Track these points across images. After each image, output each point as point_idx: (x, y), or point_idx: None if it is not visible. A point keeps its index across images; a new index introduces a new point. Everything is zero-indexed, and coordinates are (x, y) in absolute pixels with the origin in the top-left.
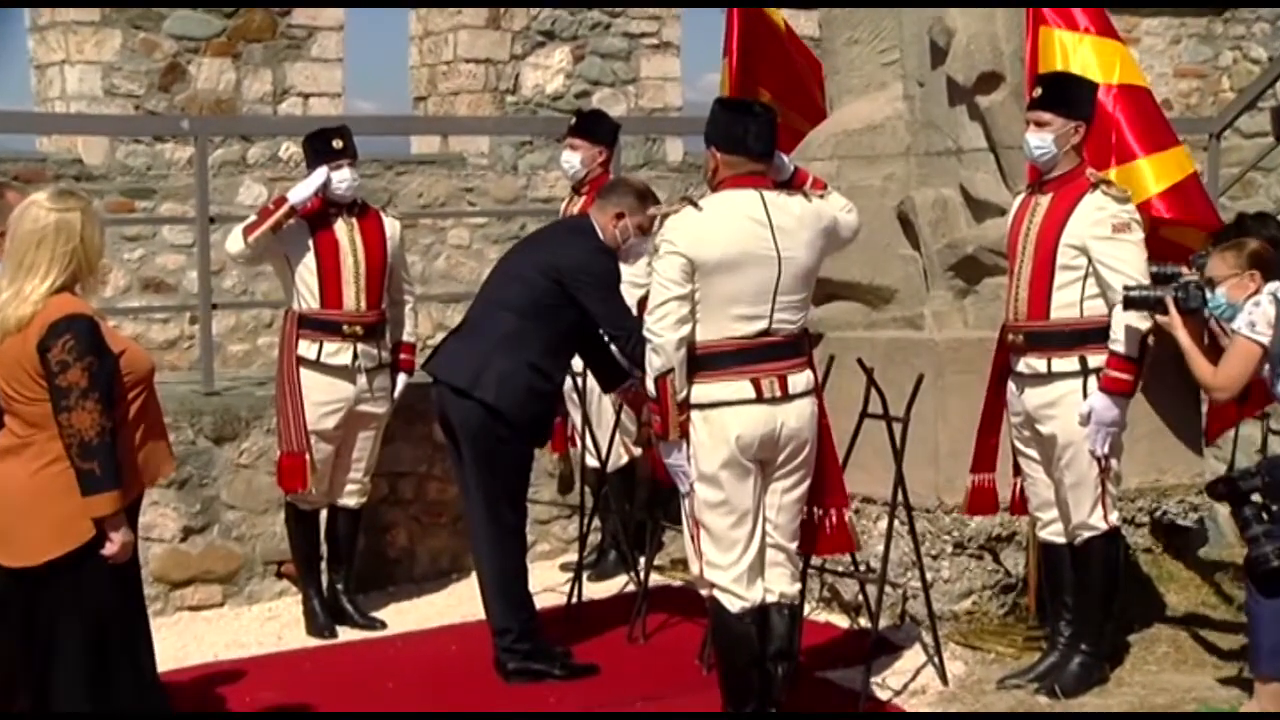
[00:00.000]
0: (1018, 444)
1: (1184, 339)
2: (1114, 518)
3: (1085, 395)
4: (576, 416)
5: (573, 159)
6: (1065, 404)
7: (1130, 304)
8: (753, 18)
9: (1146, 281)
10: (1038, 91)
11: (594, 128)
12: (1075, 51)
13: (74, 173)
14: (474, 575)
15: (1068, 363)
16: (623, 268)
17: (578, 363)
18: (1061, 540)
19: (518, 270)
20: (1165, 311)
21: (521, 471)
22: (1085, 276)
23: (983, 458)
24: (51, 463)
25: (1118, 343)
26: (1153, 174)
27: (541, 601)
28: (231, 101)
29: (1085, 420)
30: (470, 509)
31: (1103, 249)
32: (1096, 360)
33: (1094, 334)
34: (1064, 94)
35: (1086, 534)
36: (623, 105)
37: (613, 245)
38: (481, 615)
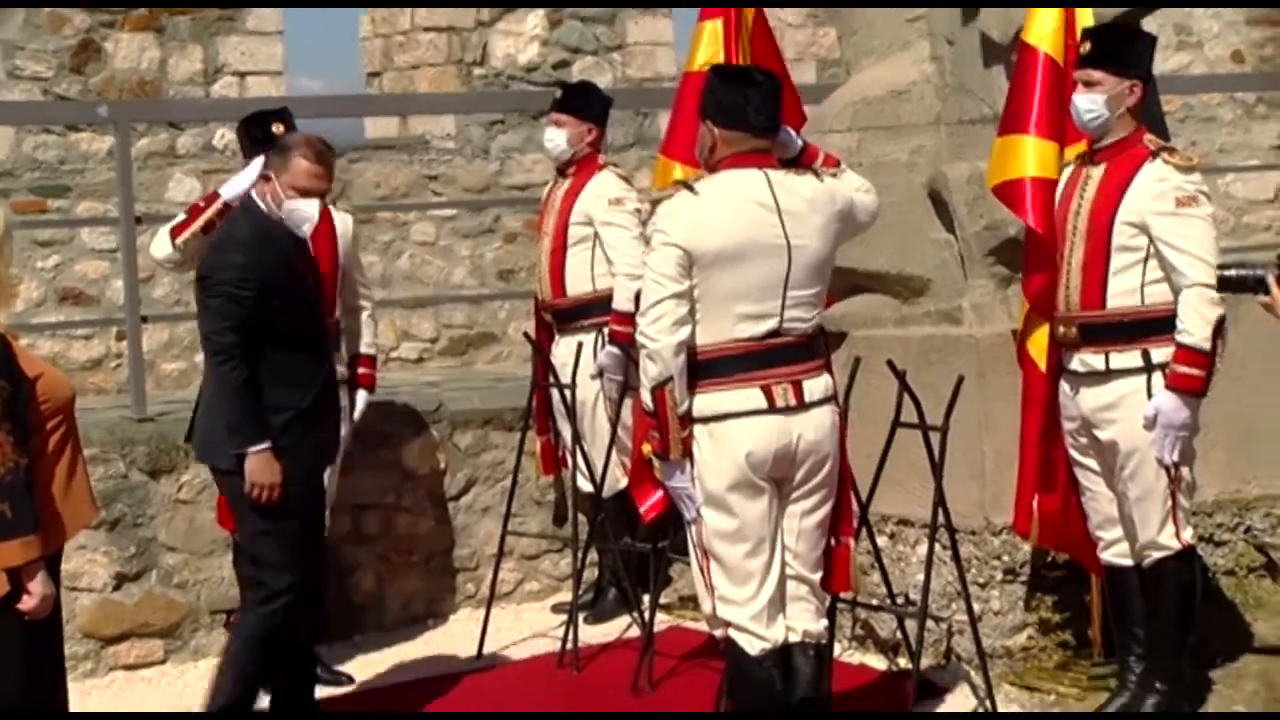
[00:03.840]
0: (1073, 453)
1: None
2: (1187, 535)
3: (1150, 395)
4: (567, 433)
5: (558, 137)
6: (1127, 405)
7: (1225, 285)
8: None
9: (1214, 262)
10: (1085, 46)
11: (583, 103)
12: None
13: None
14: (451, 621)
15: (1129, 358)
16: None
17: (565, 372)
18: (1128, 562)
19: None
20: (1267, 291)
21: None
22: (1146, 258)
23: (1047, 475)
24: None
25: (1186, 334)
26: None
27: (531, 648)
28: (156, 83)
29: (1151, 424)
30: None
31: (1166, 226)
32: (1162, 355)
33: (1158, 324)
34: (1116, 49)
35: (1156, 555)
36: (608, 75)
37: (275, 219)
38: (461, 666)
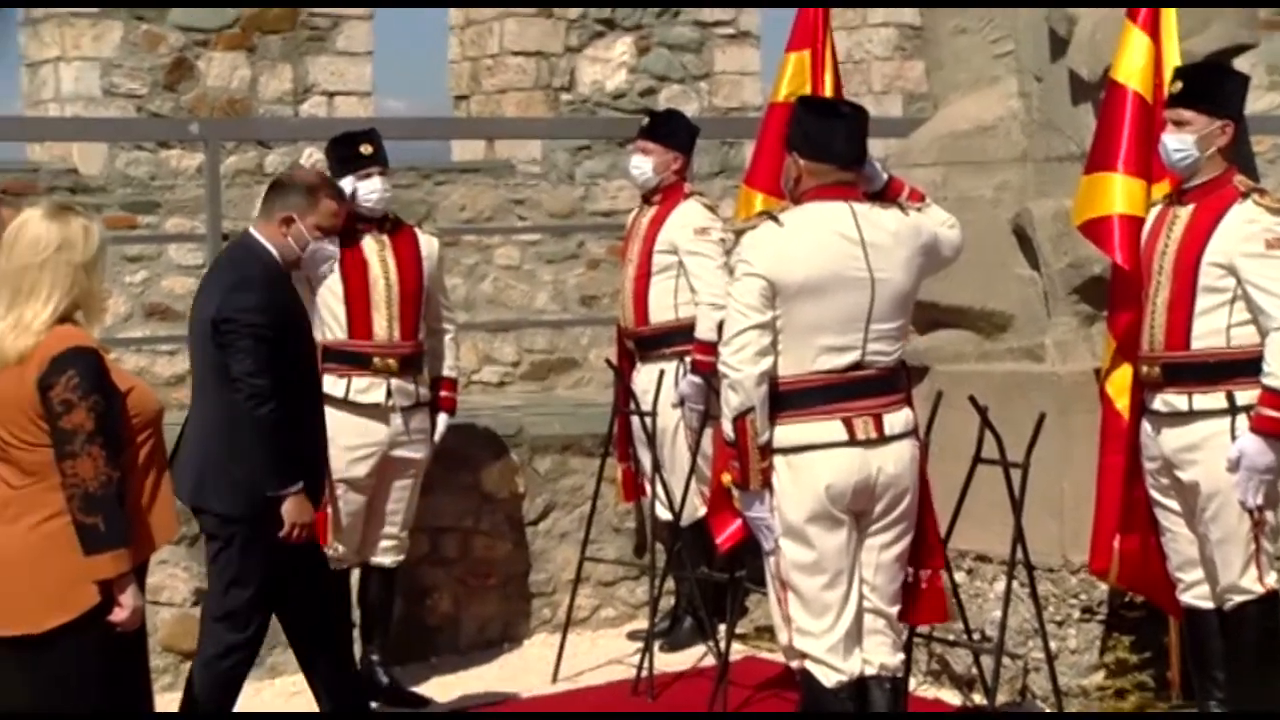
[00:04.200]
0: (1154, 493)
1: None
2: (1271, 579)
3: (1234, 437)
4: (646, 461)
5: (644, 165)
6: (1210, 447)
7: None
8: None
9: None
10: (1176, 85)
11: (670, 130)
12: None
13: (68, 184)
14: (527, 645)
15: (1212, 399)
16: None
17: (646, 400)
18: (1208, 605)
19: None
20: None
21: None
22: (1233, 300)
23: (1128, 515)
24: (51, 517)
25: (1272, 376)
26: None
27: (607, 675)
28: (246, 102)
29: (1234, 466)
30: None
31: (1254, 268)
32: (1246, 397)
33: (1243, 366)
34: (1208, 88)
35: (1238, 598)
36: (694, 104)
37: (291, 260)
38: (536, 690)
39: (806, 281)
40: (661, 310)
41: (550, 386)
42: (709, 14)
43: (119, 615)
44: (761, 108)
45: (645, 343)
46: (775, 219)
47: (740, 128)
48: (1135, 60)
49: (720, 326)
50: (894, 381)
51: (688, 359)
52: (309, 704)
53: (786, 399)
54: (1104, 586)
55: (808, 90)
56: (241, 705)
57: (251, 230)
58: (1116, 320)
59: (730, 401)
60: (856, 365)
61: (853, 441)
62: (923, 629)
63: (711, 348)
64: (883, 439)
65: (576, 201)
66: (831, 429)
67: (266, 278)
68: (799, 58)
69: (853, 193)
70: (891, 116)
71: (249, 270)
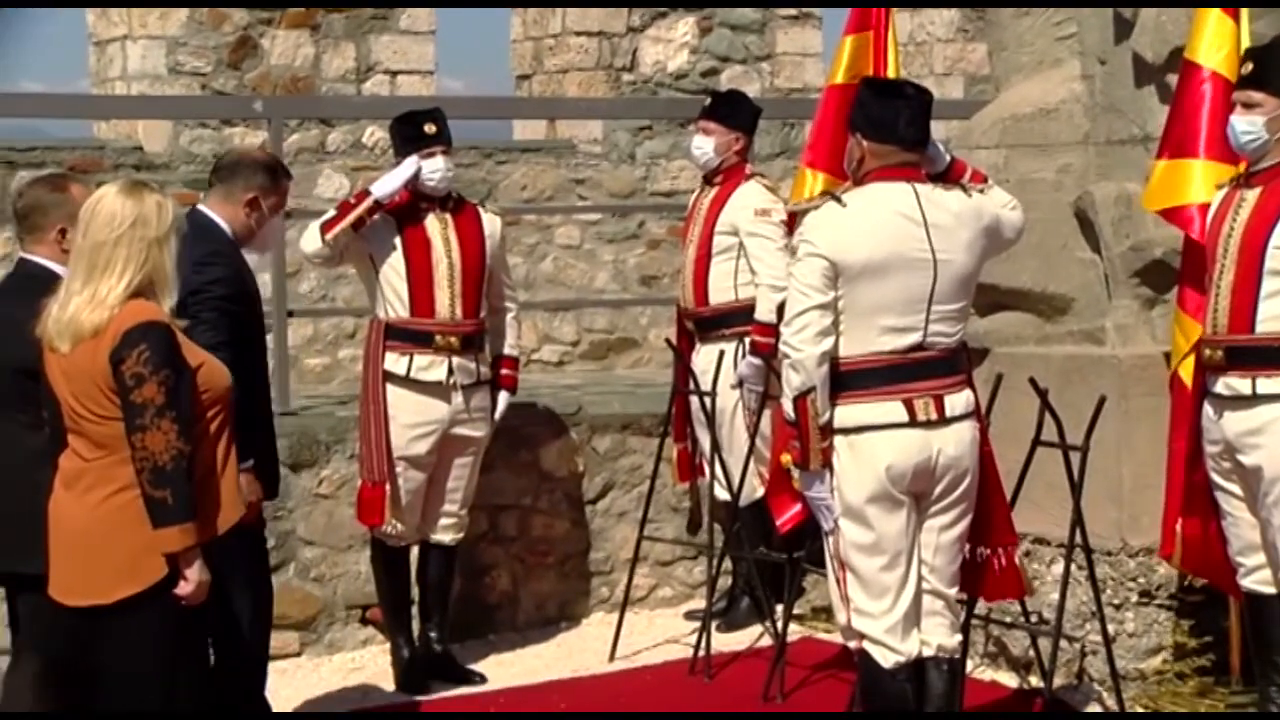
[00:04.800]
0: (1215, 477)
1: None
2: None
3: None
4: (705, 441)
5: (705, 145)
6: (1273, 431)
7: None
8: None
9: None
10: (1247, 67)
11: (732, 110)
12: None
13: (133, 161)
14: (584, 624)
15: (1276, 383)
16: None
17: (706, 380)
18: (1270, 590)
19: None
20: None
21: None
22: None
23: (1190, 499)
24: (121, 490)
25: None
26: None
27: (664, 654)
28: (309, 80)
29: None
30: None
31: None
32: None
33: None
34: (1278, 70)
35: None
36: (755, 85)
37: (244, 238)
38: (593, 669)
39: (869, 262)
40: (721, 291)
41: (609, 366)
42: None
43: (184, 589)
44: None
45: (705, 323)
46: (838, 199)
47: (802, 109)
48: (1214, 40)
49: (780, 308)
50: (955, 363)
51: (747, 340)
52: (366, 679)
53: (847, 379)
54: (1163, 570)
55: (868, 73)
56: (301, 681)
57: (202, 207)
58: (1193, 304)
59: (791, 381)
60: (918, 346)
61: (913, 422)
62: (980, 610)
63: (771, 329)
64: (943, 420)
65: (637, 181)
66: (892, 410)
67: (231, 253)
68: (857, 40)
69: (915, 174)
70: (953, 98)
71: (216, 245)
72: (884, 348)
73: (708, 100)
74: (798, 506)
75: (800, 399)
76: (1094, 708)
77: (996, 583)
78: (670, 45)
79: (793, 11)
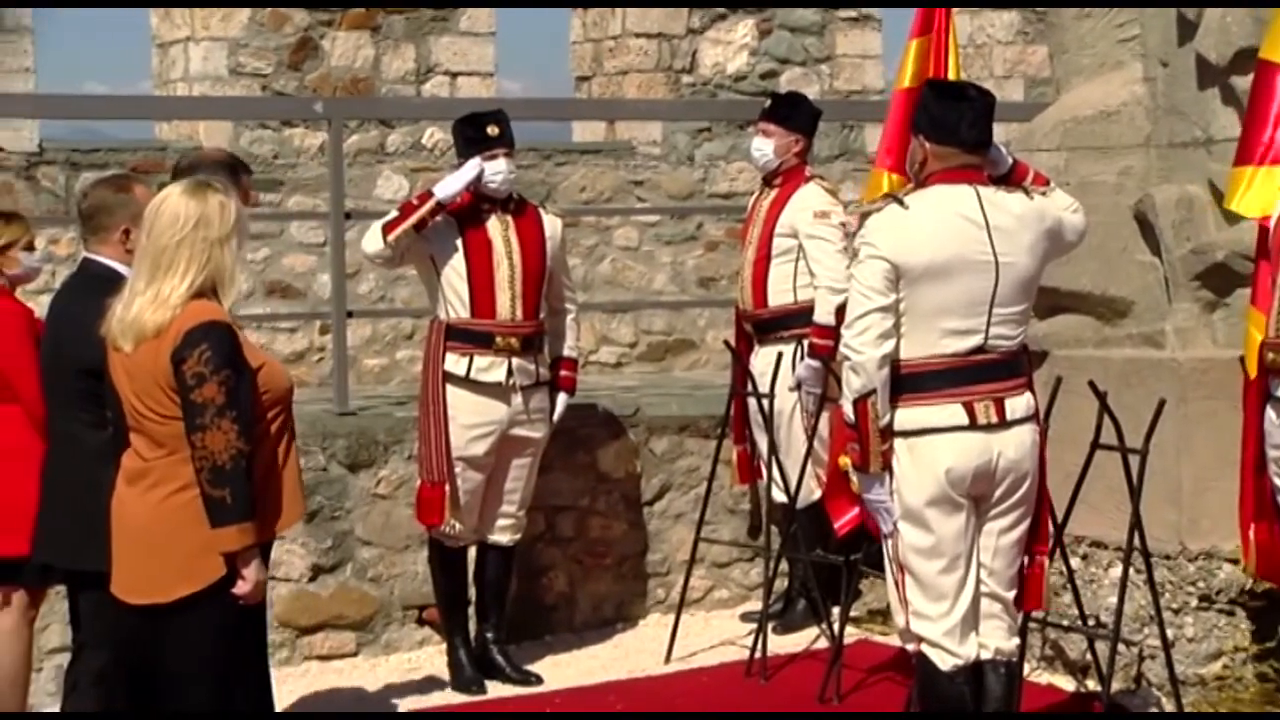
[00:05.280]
0: (1278, 481)
1: None
2: None
3: None
4: (763, 444)
5: (765, 147)
6: None
7: None
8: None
9: None
10: None
11: (792, 112)
12: None
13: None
14: (641, 625)
15: None
16: (820, 271)
17: (764, 382)
18: None
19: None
20: None
21: None
22: None
23: (1262, 505)
24: (182, 489)
25: None
26: None
27: (720, 655)
28: (369, 81)
29: None
30: None
31: None
32: None
33: None
34: None
35: None
36: (815, 87)
37: None
38: (649, 670)
39: (930, 264)
40: (780, 293)
41: (667, 368)
42: None
43: (242, 588)
44: (884, 91)
45: (763, 325)
46: (900, 201)
47: (861, 111)
48: None
49: (839, 310)
50: (1016, 366)
51: (806, 342)
52: (423, 680)
53: (908, 382)
54: (1223, 574)
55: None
56: (359, 682)
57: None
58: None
59: (852, 384)
60: (979, 349)
61: (974, 425)
62: (1038, 613)
63: (830, 331)
64: (1004, 423)
65: (696, 183)
66: (953, 413)
67: None
68: (921, 43)
69: (978, 176)
70: (1013, 101)
71: None
72: (945, 350)
73: (767, 102)
74: (855, 510)
75: (861, 401)
76: (1152, 712)
77: (1023, 591)
78: (730, 47)
79: (852, 13)
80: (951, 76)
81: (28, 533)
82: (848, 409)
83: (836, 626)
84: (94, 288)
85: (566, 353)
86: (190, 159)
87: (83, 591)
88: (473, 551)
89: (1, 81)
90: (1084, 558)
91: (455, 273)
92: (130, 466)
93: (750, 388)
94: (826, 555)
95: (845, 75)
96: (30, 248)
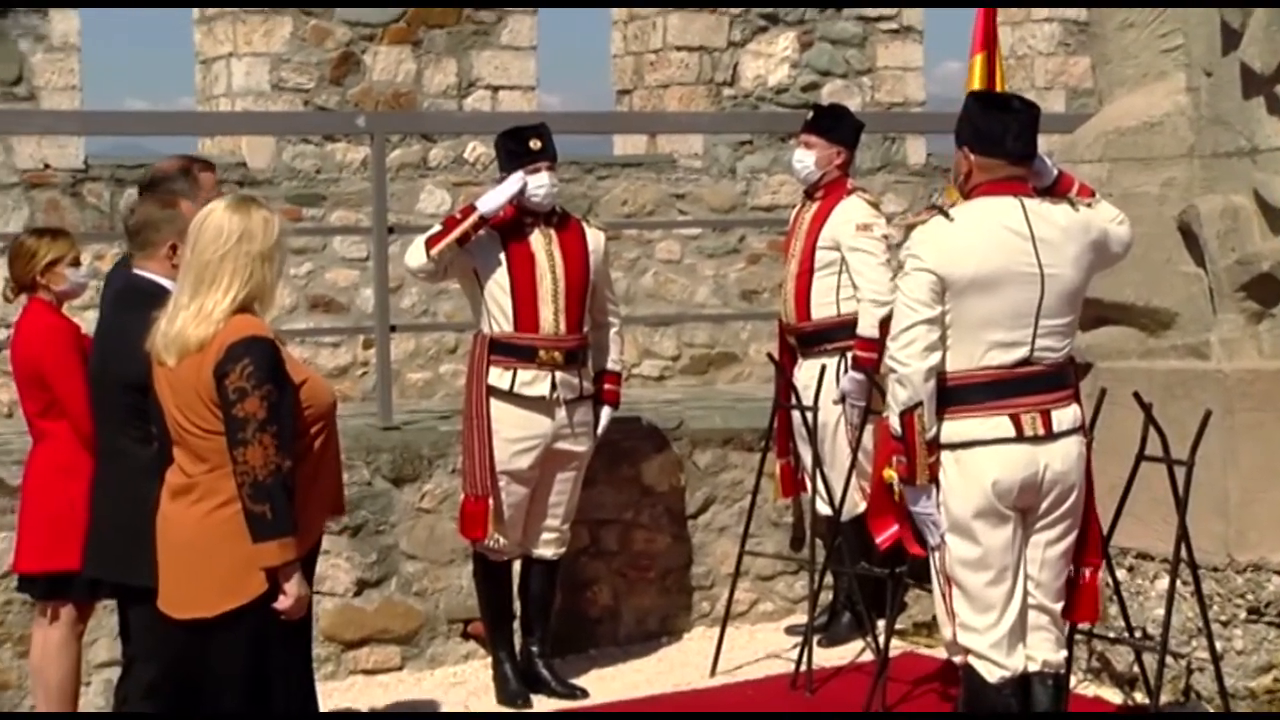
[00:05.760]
0: None
1: None
2: None
3: None
4: (807, 456)
5: (806, 159)
6: None
7: None
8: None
9: None
10: None
11: (834, 124)
12: None
13: (237, 177)
14: (686, 638)
15: None
16: (863, 283)
17: (808, 395)
18: None
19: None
20: None
21: None
22: None
23: None
24: (224, 504)
25: None
26: None
27: (765, 669)
28: (411, 95)
29: None
30: None
31: None
32: None
33: None
34: None
35: None
36: (856, 99)
37: None
38: (694, 683)
39: (976, 276)
40: (823, 306)
41: (710, 381)
42: (872, 9)
43: (284, 603)
44: (924, 103)
45: (807, 338)
46: (945, 214)
47: (903, 123)
48: None
49: (882, 323)
50: (1062, 378)
51: (849, 355)
52: (469, 693)
53: (954, 394)
54: (1271, 587)
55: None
56: (401, 695)
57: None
58: None
59: (898, 396)
60: (1025, 361)
61: (1020, 438)
62: (1084, 625)
63: (873, 344)
64: (1050, 435)
65: (738, 196)
66: (999, 425)
67: None
68: (981, 59)
69: (1023, 188)
70: (1055, 112)
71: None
72: (991, 362)
73: (809, 114)
74: (895, 526)
75: (907, 414)
76: None
77: (1079, 602)
78: (771, 60)
79: (893, 25)
80: (998, 88)
81: (76, 548)
82: (894, 421)
83: (882, 639)
84: (140, 303)
85: (610, 366)
86: (149, 174)
87: (132, 606)
88: (517, 565)
89: (49, 98)
90: (1130, 569)
91: (498, 287)
92: (174, 481)
93: (794, 400)
94: (871, 568)
95: (886, 87)
96: (76, 263)
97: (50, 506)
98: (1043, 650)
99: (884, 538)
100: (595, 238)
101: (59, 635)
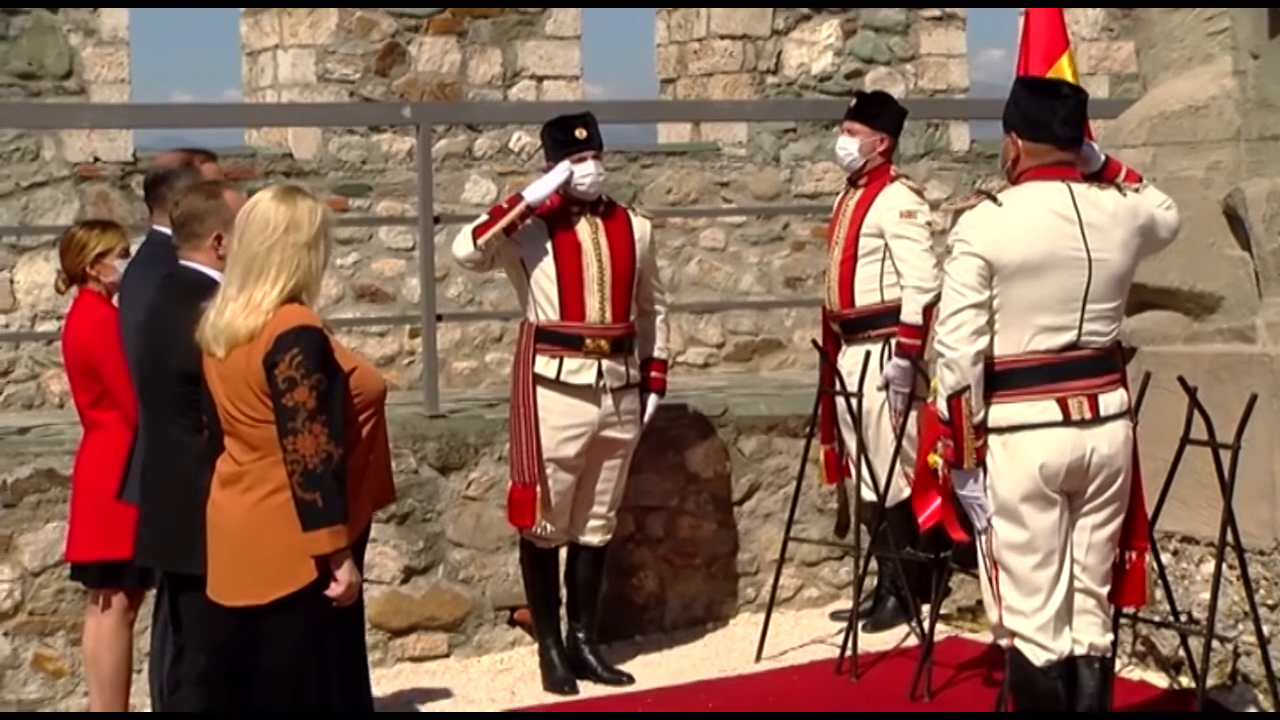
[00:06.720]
0: None
1: None
2: None
3: None
4: (851, 443)
5: (850, 146)
6: None
7: None
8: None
9: None
10: None
11: (877, 111)
12: None
13: (283, 168)
14: (731, 624)
15: None
16: (906, 270)
17: (852, 381)
18: None
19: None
20: None
21: None
22: None
23: None
24: (274, 492)
25: None
26: None
27: (810, 654)
28: (456, 85)
29: None
30: None
31: None
32: None
33: None
34: None
35: None
36: (900, 86)
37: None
38: (740, 669)
39: (1024, 261)
40: (867, 293)
41: (754, 368)
42: None
43: (335, 590)
44: (968, 90)
45: (851, 325)
46: (993, 199)
47: (946, 109)
48: None
49: (926, 310)
50: (1109, 362)
51: (893, 341)
52: (515, 680)
53: (1002, 378)
54: None
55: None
56: (448, 683)
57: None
58: None
59: (946, 380)
60: (1072, 345)
61: (1067, 421)
62: (1129, 609)
63: (917, 331)
64: (1097, 419)
65: (782, 184)
66: (1046, 409)
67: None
68: (1069, 56)
69: (1071, 173)
70: (1099, 98)
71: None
72: (1039, 347)
73: (853, 101)
74: (937, 502)
75: (955, 398)
76: (1249, 710)
77: (1125, 586)
78: (814, 48)
79: (937, 13)
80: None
81: (128, 537)
82: (941, 406)
83: (927, 624)
84: (187, 294)
85: (656, 354)
86: (150, 172)
87: (183, 594)
88: (564, 552)
89: (99, 92)
90: (1175, 553)
91: (545, 275)
92: (224, 470)
93: (838, 387)
94: (916, 553)
95: (930, 74)
96: (126, 255)
97: (101, 496)
98: (1089, 634)
99: (926, 515)
100: (641, 226)
101: (111, 623)
